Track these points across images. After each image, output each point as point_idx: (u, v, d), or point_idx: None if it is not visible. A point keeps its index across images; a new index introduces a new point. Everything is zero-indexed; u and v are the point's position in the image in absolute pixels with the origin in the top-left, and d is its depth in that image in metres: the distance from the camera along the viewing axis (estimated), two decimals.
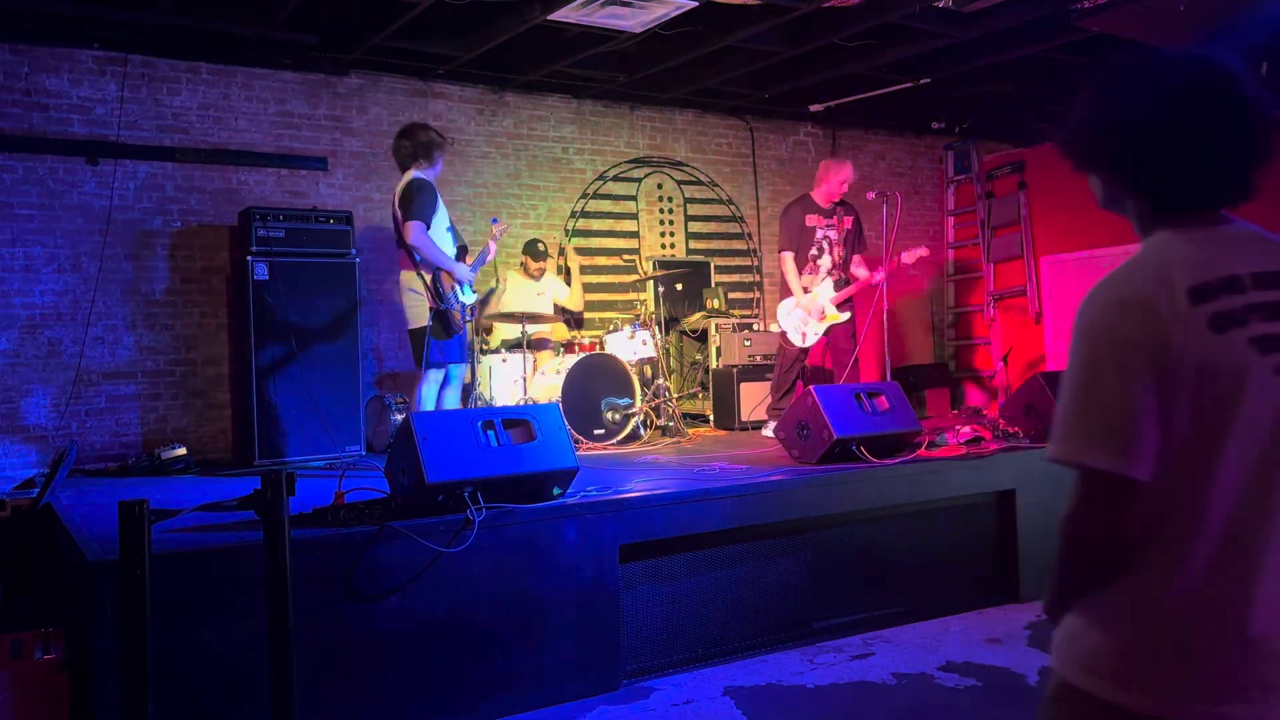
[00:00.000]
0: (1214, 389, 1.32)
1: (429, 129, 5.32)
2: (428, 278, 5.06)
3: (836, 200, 6.51)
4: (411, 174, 5.16)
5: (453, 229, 5.31)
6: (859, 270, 6.55)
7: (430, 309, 5.05)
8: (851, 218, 6.61)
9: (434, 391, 5.20)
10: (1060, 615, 1.48)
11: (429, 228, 5.02)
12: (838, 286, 6.45)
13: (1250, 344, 1.33)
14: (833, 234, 6.52)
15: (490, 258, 5.65)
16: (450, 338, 5.10)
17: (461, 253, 5.33)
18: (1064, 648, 1.46)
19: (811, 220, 6.49)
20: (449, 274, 5.09)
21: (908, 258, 6.41)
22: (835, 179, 6.44)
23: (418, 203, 5.00)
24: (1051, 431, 1.41)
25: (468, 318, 5.26)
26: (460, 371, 5.33)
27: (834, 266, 6.52)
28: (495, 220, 5.92)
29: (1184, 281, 1.35)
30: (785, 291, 6.58)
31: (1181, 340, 1.32)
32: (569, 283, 7.76)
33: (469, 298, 5.30)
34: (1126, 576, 1.39)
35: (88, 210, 6.50)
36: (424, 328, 5.10)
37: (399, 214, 5.10)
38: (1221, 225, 1.43)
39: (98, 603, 3.01)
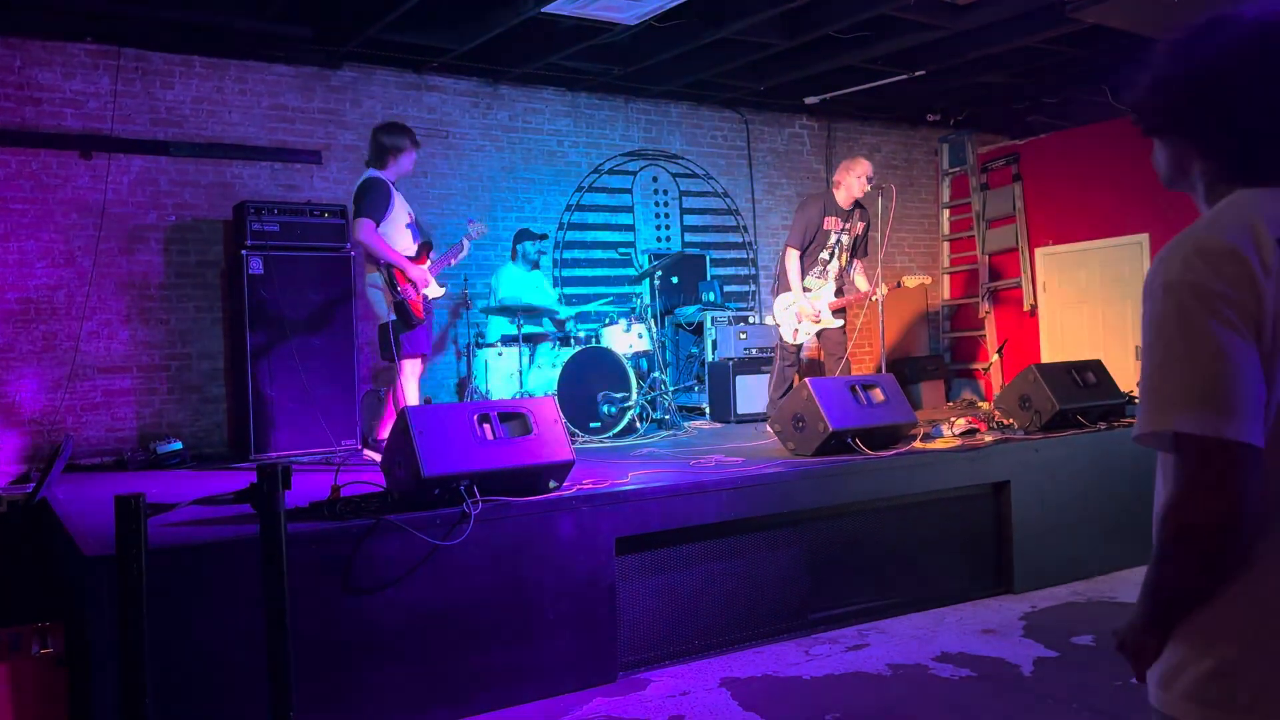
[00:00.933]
0: None
1: (391, 132, 5.40)
2: (384, 272, 5.17)
3: (856, 201, 6.27)
4: (367, 173, 5.34)
5: (414, 226, 5.40)
6: (859, 280, 6.39)
7: (391, 302, 5.17)
8: (864, 223, 6.39)
9: (414, 384, 5.33)
10: (1159, 638, 1.28)
11: (379, 225, 5.17)
12: (837, 293, 6.30)
13: None
14: (845, 239, 6.30)
15: (460, 256, 5.62)
16: (413, 329, 5.22)
17: (425, 249, 5.40)
18: (1168, 680, 1.27)
19: (829, 223, 6.24)
20: (399, 268, 5.19)
21: (910, 282, 6.33)
22: (857, 178, 6.18)
23: (367, 201, 5.17)
24: (1138, 410, 1.24)
25: (429, 309, 5.34)
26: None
27: (840, 271, 6.34)
28: (471, 219, 5.97)
29: (1273, 231, 1.22)
30: (783, 284, 6.41)
31: (1276, 291, 1.18)
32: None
33: (433, 291, 5.39)
34: (1234, 582, 1.20)
35: (82, 204, 6.49)
36: (388, 322, 5.22)
37: (352, 210, 5.31)
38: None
39: (95, 597, 3.01)
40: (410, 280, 5.23)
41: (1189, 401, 1.17)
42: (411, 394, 5.31)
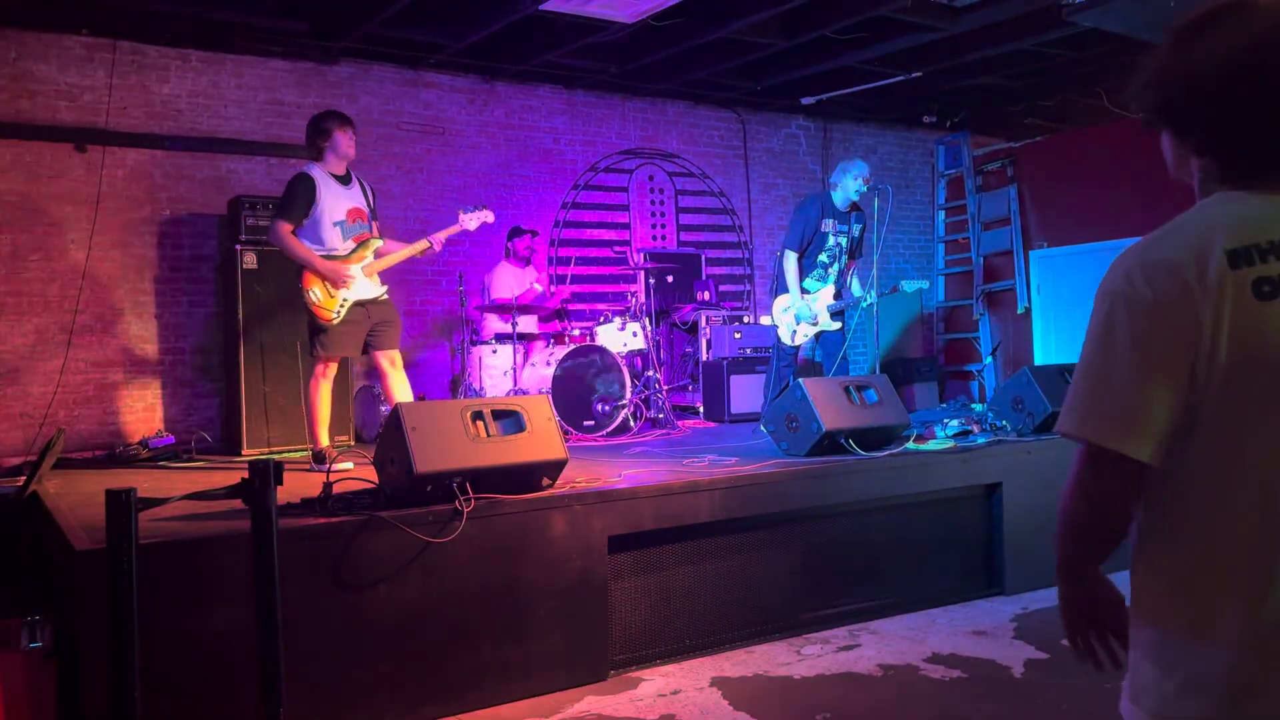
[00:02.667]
0: (1253, 358, 1.21)
1: (325, 120, 5.10)
2: (298, 271, 5.06)
3: (854, 199, 6.20)
4: (302, 167, 5.12)
5: (344, 222, 5.09)
6: (855, 285, 6.34)
7: (305, 303, 5.05)
8: (862, 225, 6.33)
9: (325, 387, 5.15)
10: (1067, 590, 1.45)
11: (297, 225, 5.00)
12: (836, 296, 6.21)
13: None
14: (844, 240, 6.23)
15: (432, 250, 5.28)
16: (321, 332, 5.04)
17: (362, 244, 5.12)
18: (1137, 695, 1.35)
19: (827, 225, 6.16)
20: (310, 270, 5.00)
21: (907, 287, 6.30)
22: (854, 180, 6.11)
23: (284, 200, 5.03)
24: (1065, 402, 1.34)
25: (342, 312, 5.03)
26: (394, 358, 5.24)
27: (840, 274, 6.27)
28: (463, 209, 5.40)
29: (1224, 244, 1.24)
30: (781, 285, 6.31)
31: (1213, 307, 1.21)
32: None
33: (361, 292, 5.08)
34: (1200, 600, 1.27)
35: (76, 197, 6.47)
36: (308, 320, 5.12)
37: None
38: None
39: (85, 591, 3.01)
40: (319, 280, 5.00)
41: (1092, 410, 1.27)
42: (317, 396, 5.13)
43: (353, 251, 5.11)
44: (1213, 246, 1.24)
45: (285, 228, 5.00)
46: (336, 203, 5.08)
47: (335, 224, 5.08)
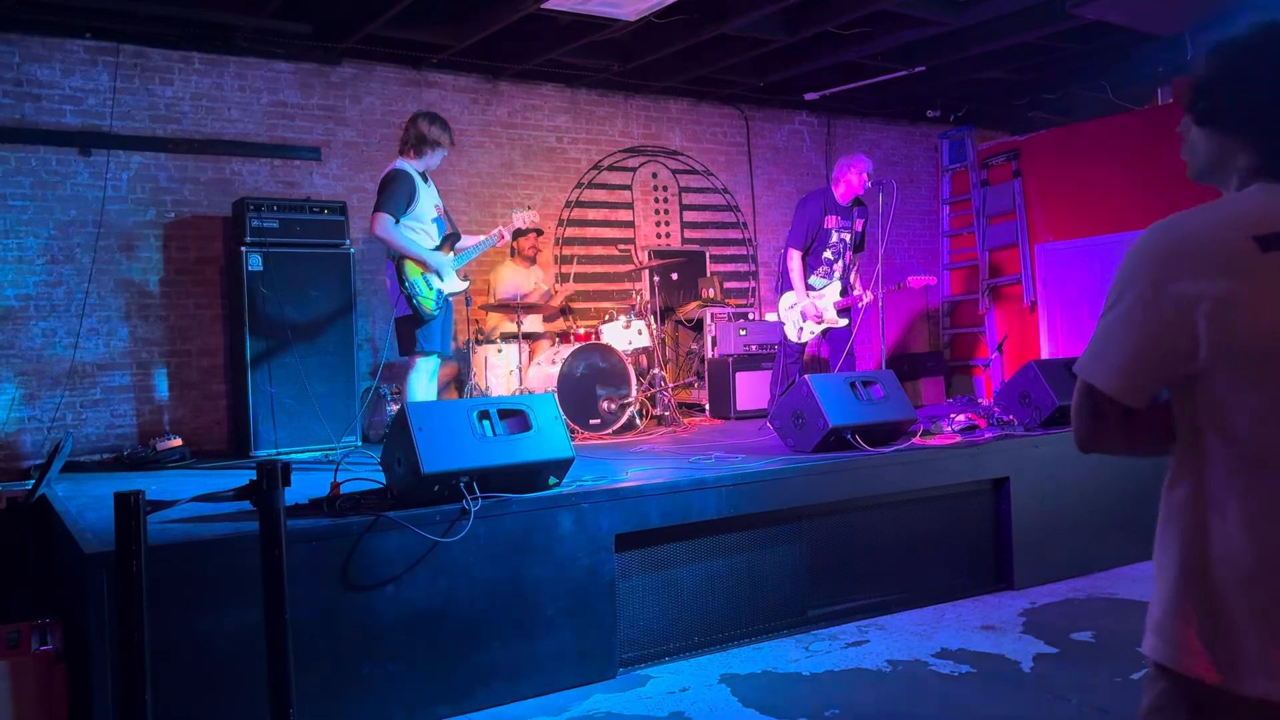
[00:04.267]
0: (1276, 335, 1.30)
1: (435, 123, 5.22)
2: (395, 263, 5.08)
3: (858, 193, 6.19)
4: (395, 164, 5.18)
5: (441, 219, 5.24)
6: (857, 285, 6.32)
7: (402, 295, 5.06)
8: (864, 220, 6.32)
9: (423, 380, 5.19)
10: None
11: (399, 220, 5.03)
12: (842, 292, 6.22)
13: None
14: (848, 236, 6.22)
15: (491, 243, 5.45)
16: (424, 325, 5.08)
17: (451, 240, 5.26)
18: (1157, 629, 1.46)
19: (830, 221, 6.15)
20: (418, 261, 5.06)
21: (914, 283, 6.28)
22: (857, 175, 6.10)
23: (388, 194, 5.04)
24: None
25: (441, 304, 5.14)
26: (438, 361, 5.31)
27: (845, 270, 6.25)
28: (514, 209, 5.67)
29: (1253, 229, 1.33)
30: (787, 283, 6.32)
31: (1230, 285, 1.30)
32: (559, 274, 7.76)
33: (450, 285, 5.20)
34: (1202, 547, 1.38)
35: (81, 201, 6.48)
36: (401, 316, 5.12)
37: (372, 202, 5.17)
38: None
39: (94, 594, 3.01)
40: (429, 274, 5.09)
41: (1093, 353, 1.44)
42: (419, 392, 5.16)
43: (439, 245, 5.19)
44: (1243, 227, 1.33)
45: (389, 220, 5.01)
46: (429, 199, 5.19)
47: (433, 220, 5.17)
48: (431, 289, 5.10)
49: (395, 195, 5.03)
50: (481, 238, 5.44)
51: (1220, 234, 1.34)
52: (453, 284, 5.22)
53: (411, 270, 5.06)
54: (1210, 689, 1.36)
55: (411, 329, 5.12)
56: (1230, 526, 1.36)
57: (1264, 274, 1.30)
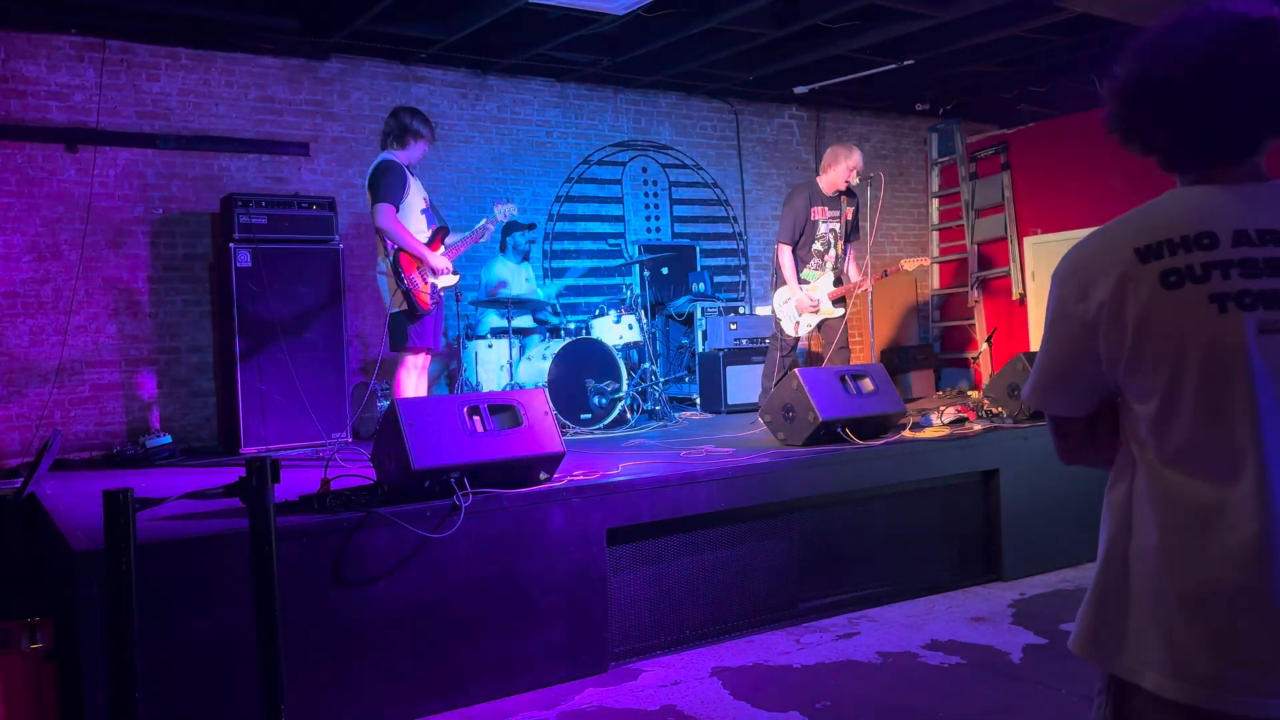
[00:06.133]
0: (1160, 342, 1.35)
1: (417, 117, 5.22)
2: (390, 259, 5.03)
3: (842, 189, 6.20)
4: (382, 155, 5.16)
5: (429, 211, 5.23)
6: (851, 270, 6.33)
7: (397, 291, 5.03)
8: (853, 208, 6.30)
9: (413, 377, 5.17)
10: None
11: (398, 210, 5.02)
12: (836, 282, 6.22)
13: (1210, 300, 1.32)
14: (836, 226, 6.20)
15: (483, 238, 5.44)
16: (417, 320, 5.04)
17: (440, 234, 5.24)
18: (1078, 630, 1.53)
19: (816, 213, 6.14)
20: (414, 256, 5.03)
21: (908, 265, 6.28)
22: (844, 167, 6.09)
23: (384, 185, 5.01)
24: None
25: (435, 300, 5.11)
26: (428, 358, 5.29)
27: (836, 260, 6.24)
28: (499, 200, 5.58)
29: (1135, 241, 1.39)
30: (780, 278, 6.29)
31: (1128, 296, 1.37)
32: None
33: (444, 280, 5.17)
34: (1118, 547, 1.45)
35: (68, 198, 6.45)
36: (396, 312, 5.09)
37: (369, 196, 5.14)
38: (1237, 182, 1.42)
39: (84, 592, 3.01)
40: (424, 268, 5.06)
41: (1033, 380, 1.54)
42: (409, 389, 5.14)
43: (429, 240, 5.15)
44: (1127, 242, 1.40)
45: (392, 210, 4.98)
46: (418, 191, 5.17)
47: (422, 212, 5.14)
48: (427, 283, 5.08)
49: (392, 184, 5.01)
50: (466, 234, 5.42)
51: (1110, 251, 1.41)
52: (446, 278, 5.20)
53: (409, 265, 5.03)
54: (1123, 683, 1.40)
55: (405, 325, 5.08)
56: (1147, 526, 1.39)
57: (1143, 285, 1.36)
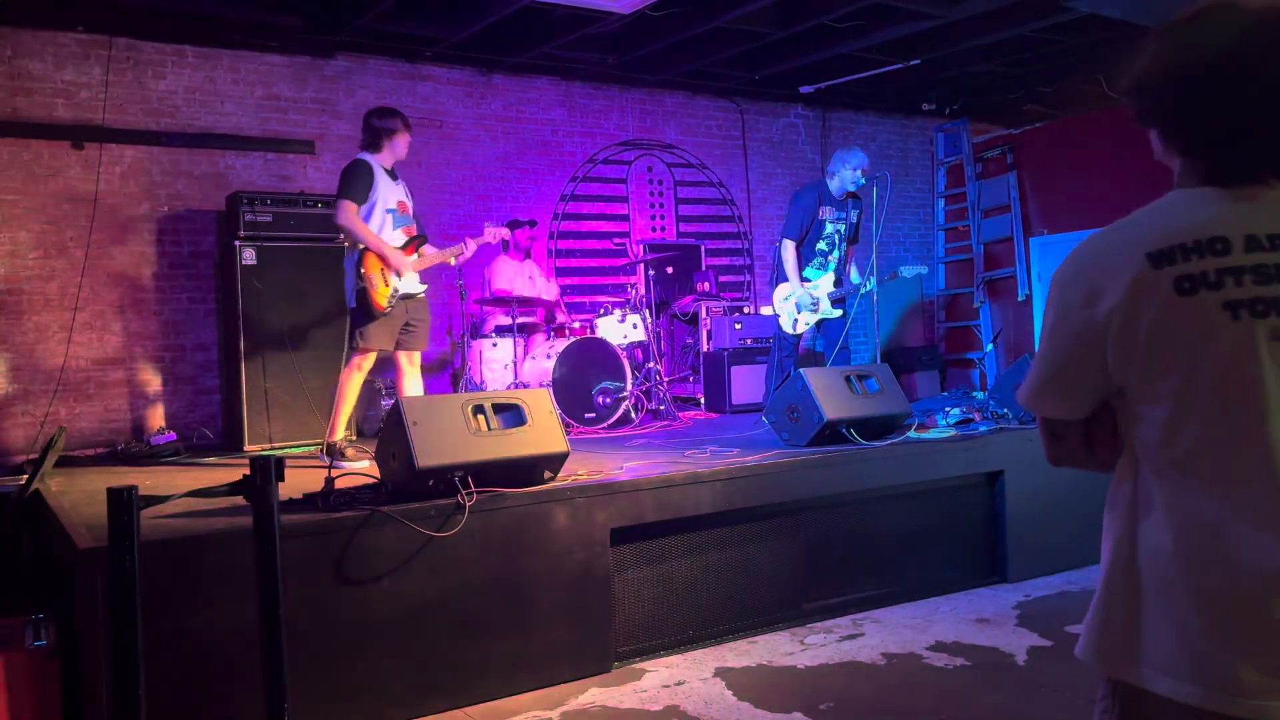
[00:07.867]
0: (1173, 349, 1.32)
1: (384, 115, 5.19)
2: (355, 256, 5.02)
3: (850, 191, 6.20)
4: (356, 155, 5.17)
5: (396, 211, 5.13)
6: (851, 272, 6.33)
7: (355, 288, 5.01)
8: (859, 211, 6.32)
9: (356, 378, 5.13)
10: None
11: (360, 208, 5.00)
12: (836, 283, 6.22)
13: (1223, 307, 1.29)
14: (842, 228, 6.22)
15: (462, 257, 5.41)
16: (369, 321, 5.01)
17: (417, 243, 5.18)
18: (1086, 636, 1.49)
19: (825, 213, 6.15)
20: (378, 254, 5.00)
21: (906, 272, 6.28)
22: (852, 170, 6.10)
23: (346, 182, 5.02)
24: None
25: (393, 303, 5.03)
26: (414, 358, 5.25)
27: (840, 261, 6.26)
28: (489, 223, 5.67)
29: (1147, 245, 1.34)
30: (782, 274, 6.31)
31: (1141, 302, 1.32)
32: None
33: (408, 285, 5.10)
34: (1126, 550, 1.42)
35: (74, 195, 6.46)
36: (352, 309, 5.07)
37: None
38: (1253, 186, 1.37)
39: (88, 589, 3.01)
40: (386, 271, 5.01)
41: (1027, 382, 1.50)
42: (347, 389, 5.11)
43: (404, 244, 5.13)
44: (1139, 246, 1.35)
45: (352, 207, 4.99)
46: (389, 192, 5.14)
47: (388, 211, 5.11)
48: (388, 285, 5.03)
49: (353, 183, 5.01)
50: (440, 252, 5.38)
51: (1120, 254, 1.36)
52: (410, 284, 5.12)
53: (370, 264, 5.00)
54: (1131, 689, 1.38)
55: (357, 323, 5.06)
56: (1155, 529, 1.37)
57: (1157, 291, 1.32)
